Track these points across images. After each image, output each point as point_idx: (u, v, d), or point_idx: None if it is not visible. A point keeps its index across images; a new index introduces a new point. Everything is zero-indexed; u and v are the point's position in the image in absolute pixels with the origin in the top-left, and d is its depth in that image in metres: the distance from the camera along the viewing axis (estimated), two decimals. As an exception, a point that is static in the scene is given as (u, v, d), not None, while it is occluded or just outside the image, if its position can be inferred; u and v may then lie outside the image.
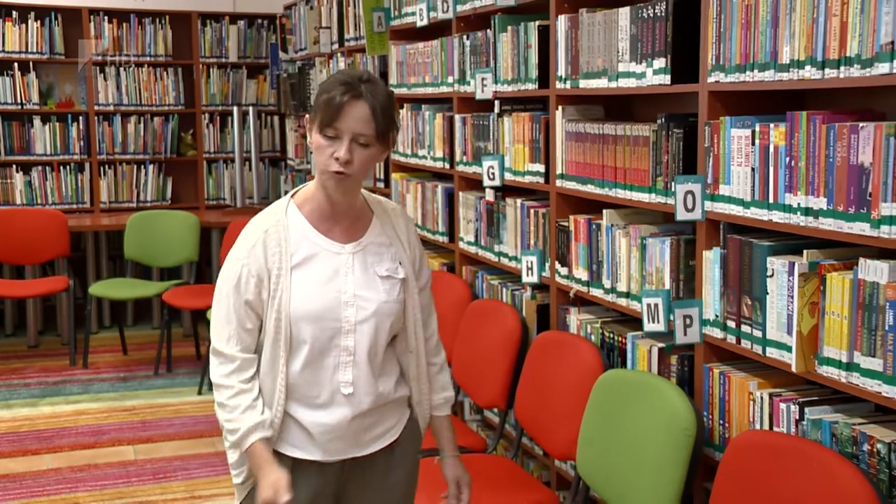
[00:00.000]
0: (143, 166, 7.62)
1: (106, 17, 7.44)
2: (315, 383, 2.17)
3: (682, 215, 2.64)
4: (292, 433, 2.20)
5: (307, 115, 2.16)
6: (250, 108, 7.46)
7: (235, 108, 7.33)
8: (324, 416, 2.18)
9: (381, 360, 2.23)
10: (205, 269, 7.20)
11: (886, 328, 2.05)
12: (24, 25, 7.19)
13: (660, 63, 2.78)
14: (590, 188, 3.20)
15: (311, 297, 2.14)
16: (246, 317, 2.16)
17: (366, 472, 2.27)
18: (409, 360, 2.30)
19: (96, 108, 7.43)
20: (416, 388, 2.32)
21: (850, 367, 2.15)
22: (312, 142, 2.13)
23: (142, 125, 7.59)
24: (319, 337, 2.14)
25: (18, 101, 7.21)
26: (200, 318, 6.30)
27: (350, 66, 5.75)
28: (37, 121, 7.29)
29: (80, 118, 7.41)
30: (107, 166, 7.51)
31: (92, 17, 7.39)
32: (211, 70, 7.80)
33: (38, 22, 7.22)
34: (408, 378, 2.32)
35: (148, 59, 7.56)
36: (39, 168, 7.31)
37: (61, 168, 7.36)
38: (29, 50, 7.23)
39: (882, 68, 2.01)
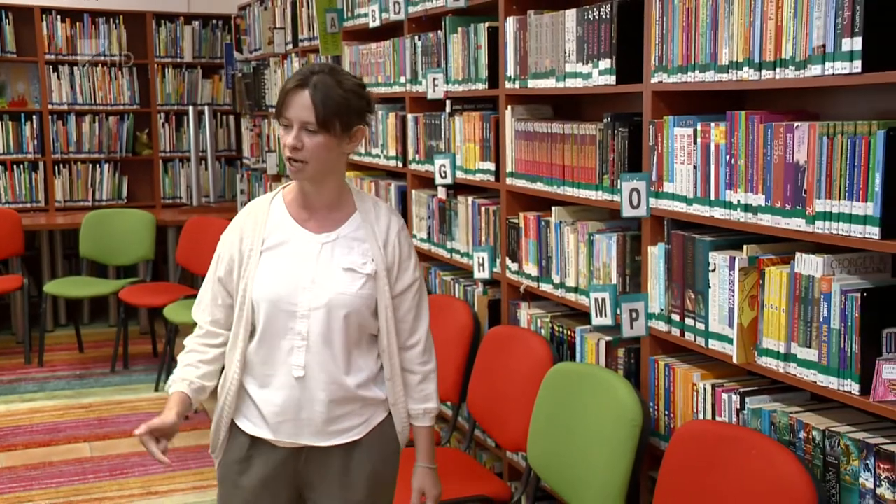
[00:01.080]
0: (98, 165, 7.52)
1: (59, 17, 7.34)
2: (270, 363, 2.22)
3: (627, 212, 2.67)
4: (248, 408, 2.26)
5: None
6: (206, 108, 7.40)
7: (191, 108, 7.27)
8: (274, 396, 2.21)
9: (347, 353, 2.22)
10: (161, 268, 7.13)
11: (821, 320, 2.10)
12: (-25, 24, 7.07)
13: (605, 64, 2.81)
14: (539, 186, 3.23)
15: (272, 279, 2.20)
16: (218, 293, 2.28)
17: (324, 464, 2.26)
18: (384, 361, 2.30)
19: (50, 106, 7.32)
20: (391, 389, 2.30)
21: (787, 357, 2.20)
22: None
23: (97, 124, 7.49)
24: (276, 319, 2.19)
25: (-29, 100, 7.09)
26: (157, 315, 6.24)
27: (304, 66, 5.73)
28: (-11, 120, 7.18)
29: (34, 117, 7.30)
30: (61, 165, 7.40)
31: (44, 16, 7.28)
32: (166, 70, 7.72)
33: (-9, 21, 7.11)
34: (386, 378, 2.31)
35: (102, 58, 7.47)
36: (-7, 167, 7.20)
37: (15, 167, 7.25)
38: (-19, 49, 7.12)
39: (815, 70, 2.06)
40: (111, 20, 7.49)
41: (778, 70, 2.17)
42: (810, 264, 2.12)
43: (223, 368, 2.29)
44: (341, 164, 2.24)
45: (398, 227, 2.30)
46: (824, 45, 2.03)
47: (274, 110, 2.18)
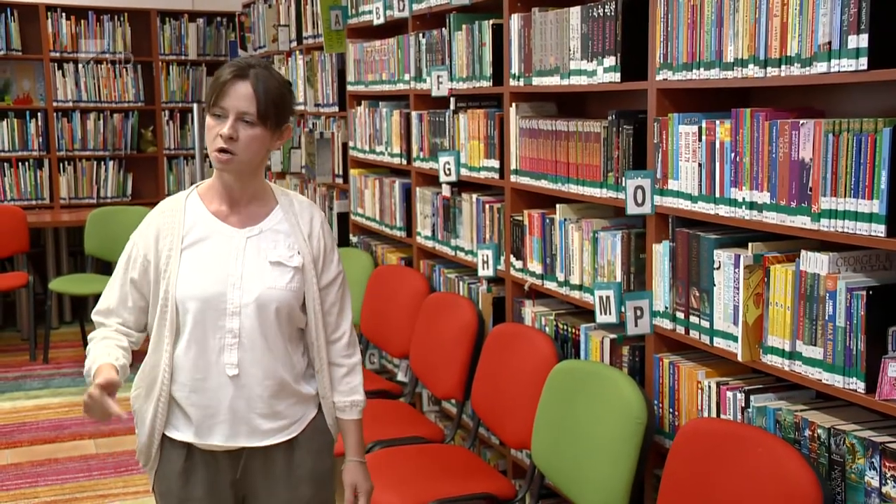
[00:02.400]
0: (102, 162, 7.53)
1: (63, 14, 7.34)
2: (200, 365, 2.15)
3: (632, 209, 2.67)
4: (177, 417, 2.19)
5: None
6: (210, 105, 7.39)
7: (195, 105, 7.25)
8: (207, 398, 2.15)
9: (281, 348, 2.18)
10: (165, 265, 7.12)
11: (826, 318, 2.09)
12: (-20, 22, 7.08)
13: (610, 61, 2.80)
14: (543, 183, 3.22)
15: (198, 277, 2.14)
16: (129, 294, 2.20)
17: (265, 465, 2.23)
18: (312, 354, 2.27)
19: (55, 104, 7.33)
20: (320, 382, 2.28)
21: (792, 355, 2.20)
22: (206, 126, 2.14)
23: (101, 122, 7.49)
24: (204, 318, 2.13)
25: (-24, 97, 7.10)
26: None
27: (308, 63, 5.73)
28: (-6, 117, 7.19)
29: (39, 114, 7.30)
30: (66, 162, 7.41)
31: (49, 13, 7.28)
32: (170, 67, 7.72)
33: (-5, 18, 7.12)
34: (315, 372, 2.28)
35: (107, 55, 7.47)
36: (-3, 164, 7.21)
37: (20, 164, 7.25)
38: (-14, 46, 7.13)
39: (820, 67, 2.05)
40: (116, 17, 7.49)
41: (783, 67, 2.16)
42: (816, 262, 2.12)
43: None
44: (264, 162, 2.22)
45: (321, 220, 2.29)
46: (830, 42, 2.02)
47: (208, 102, 2.15)
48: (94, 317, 2.25)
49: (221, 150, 2.09)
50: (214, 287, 2.13)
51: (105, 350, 2.14)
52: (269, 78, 2.12)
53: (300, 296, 2.21)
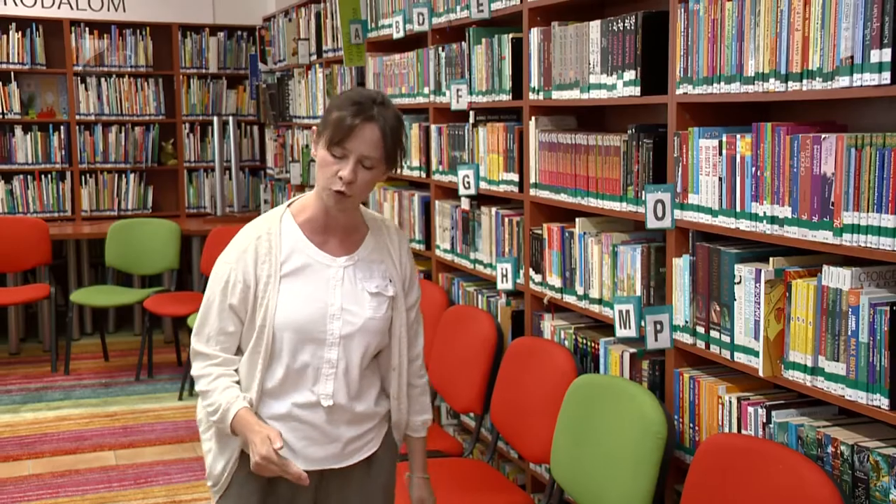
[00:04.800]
0: (124, 175, 7.58)
1: (87, 29, 7.41)
2: (293, 393, 2.15)
3: (652, 223, 2.65)
4: None
5: (314, 128, 2.15)
6: (230, 118, 7.44)
7: (216, 118, 7.31)
8: (298, 425, 2.16)
9: (369, 374, 2.22)
10: (186, 277, 7.16)
11: (849, 333, 2.07)
12: (5, 36, 7.14)
13: (630, 75, 2.80)
14: (563, 197, 3.21)
15: (297, 307, 2.12)
16: (229, 320, 2.15)
17: (344, 483, 2.25)
18: (391, 378, 2.27)
19: (77, 117, 7.39)
20: (395, 406, 2.29)
21: (814, 371, 2.18)
22: (318, 156, 2.10)
23: (123, 135, 7.55)
24: (302, 348, 2.12)
25: (0, 110, 7.16)
26: (181, 324, 6.26)
27: (328, 77, 5.75)
28: (18, 130, 7.24)
29: (62, 128, 7.36)
30: (88, 175, 7.46)
31: (73, 28, 7.35)
32: (191, 80, 7.77)
33: (20, 33, 7.18)
34: (389, 395, 2.30)
35: (129, 69, 7.53)
36: (21, 177, 7.26)
37: (42, 177, 7.31)
38: (10, 60, 7.19)
39: (842, 81, 2.04)
40: (138, 32, 7.55)
41: (805, 81, 2.15)
42: (838, 277, 2.10)
43: None
44: None
45: (407, 243, 2.30)
46: (852, 57, 2.01)
47: (319, 132, 2.08)
48: (194, 345, 2.18)
49: (339, 193, 2.06)
50: (314, 317, 2.12)
51: (231, 391, 2.11)
52: (392, 117, 2.08)
53: (389, 323, 2.22)
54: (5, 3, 7.18)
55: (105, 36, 7.46)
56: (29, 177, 7.28)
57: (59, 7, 7.35)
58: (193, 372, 2.19)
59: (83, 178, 7.44)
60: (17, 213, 7.18)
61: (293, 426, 2.16)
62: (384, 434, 2.31)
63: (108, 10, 7.50)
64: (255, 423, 2.07)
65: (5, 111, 7.18)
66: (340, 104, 2.07)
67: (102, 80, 7.46)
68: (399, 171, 2.22)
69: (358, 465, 2.25)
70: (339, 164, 2.05)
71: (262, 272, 2.12)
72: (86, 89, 7.42)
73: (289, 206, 2.23)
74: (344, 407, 2.18)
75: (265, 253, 2.14)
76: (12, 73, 7.19)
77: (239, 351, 2.19)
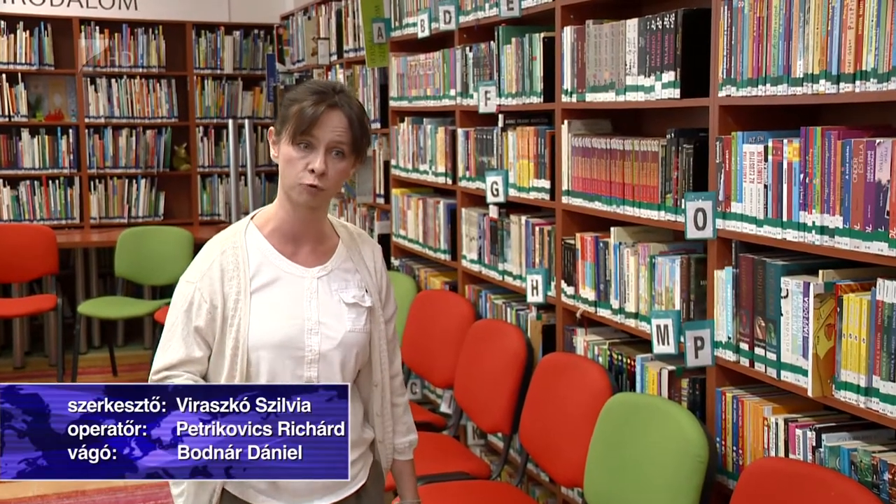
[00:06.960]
0: (134, 181, 7.63)
1: (97, 27, 7.47)
2: None
3: (692, 233, 2.64)
4: (254, 480, 2.07)
5: (271, 129, 2.12)
6: (246, 121, 7.46)
7: (231, 121, 7.34)
8: None
9: (352, 395, 2.14)
10: (198, 288, 7.18)
11: (906, 351, 2.04)
12: (12, 35, 7.21)
13: (669, 76, 2.79)
14: (597, 205, 3.20)
15: (272, 323, 2.07)
16: (195, 345, 2.08)
17: None
18: (373, 396, 2.22)
19: (87, 120, 7.45)
20: (379, 425, 2.24)
21: (868, 391, 2.15)
22: (280, 155, 2.06)
23: (133, 138, 7.60)
24: (280, 367, 2.07)
25: (6, 113, 7.22)
26: (193, 338, 6.29)
27: (349, 78, 5.77)
28: (25, 133, 7.30)
29: (70, 131, 7.42)
30: (97, 181, 7.51)
31: (83, 27, 7.42)
32: (205, 82, 7.82)
33: (28, 32, 7.25)
34: (371, 416, 2.23)
35: (140, 70, 7.59)
36: (27, 182, 7.32)
37: (50, 182, 7.37)
38: (17, 61, 7.25)
39: (899, 83, 2.02)
40: (150, 31, 7.61)
41: (858, 83, 2.13)
42: (893, 291, 2.07)
43: None
44: None
45: (380, 252, 2.27)
46: (909, 57, 1.99)
47: (277, 130, 2.07)
48: (153, 378, 2.09)
49: (311, 187, 2.03)
50: (290, 334, 2.07)
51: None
52: (356, 104, 2.07)
53: (369, 337, 2.18)
54: (13, 1, 7.26)
55: (116, 35, 7.52)
56: (36, 182, 7.34)
57: (68, 5, 7.42)
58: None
59: (92, 183, 7.50)
60: (23, 221, 7.24)
61: None
62: (370, 465, 2.25)
63: (119, 7, 7.57)
64: None
65: (12, 114, 7.24)
66: (298, 96, 2.05)
67: (112, 81, 7.52)
68: (359, 165, 2.17)
69: (349, 498, 2.18)
70: (308, 157, 2.02)
71: (229, 290, 2.07)
72: (95, 91, 7.48)
73: (251, 218, 2.19)
74: None
75: (232, 268, 2.08)
76: (20, 75, 7.26)
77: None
